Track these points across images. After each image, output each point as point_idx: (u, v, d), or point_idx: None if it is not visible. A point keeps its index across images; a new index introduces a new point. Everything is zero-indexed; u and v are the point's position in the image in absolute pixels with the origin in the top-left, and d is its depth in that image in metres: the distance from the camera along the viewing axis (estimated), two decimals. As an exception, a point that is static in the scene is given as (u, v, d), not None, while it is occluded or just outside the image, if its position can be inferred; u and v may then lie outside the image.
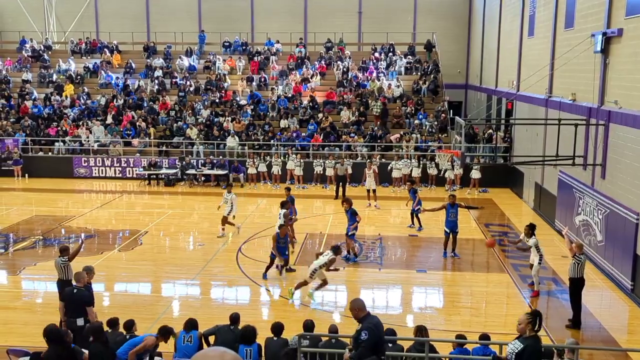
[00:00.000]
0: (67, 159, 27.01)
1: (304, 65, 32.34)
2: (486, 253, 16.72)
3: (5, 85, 31.38)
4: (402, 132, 27.04)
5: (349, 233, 15.52)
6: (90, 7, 37.43)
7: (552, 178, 19.42)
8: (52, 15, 37.54)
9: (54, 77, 32.31)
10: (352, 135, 26.84)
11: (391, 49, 33.44)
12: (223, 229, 17.65)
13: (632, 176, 13.70)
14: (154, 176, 25.84)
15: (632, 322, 12.67)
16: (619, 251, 14.01)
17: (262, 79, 31.44)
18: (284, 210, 15.70)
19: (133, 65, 32.86)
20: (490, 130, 26.32)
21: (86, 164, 26.92)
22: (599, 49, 15.21)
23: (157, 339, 8.30)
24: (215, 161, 25.80)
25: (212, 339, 8.88)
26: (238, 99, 30.14)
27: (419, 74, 31.63)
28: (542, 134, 20.21)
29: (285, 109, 28.90)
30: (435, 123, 27.51)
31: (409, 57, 33.03)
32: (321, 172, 25.34)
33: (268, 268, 14.29)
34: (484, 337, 8.85)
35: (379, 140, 26.52)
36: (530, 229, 13.32)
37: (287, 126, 27.76)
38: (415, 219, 18.63)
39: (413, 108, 28.74)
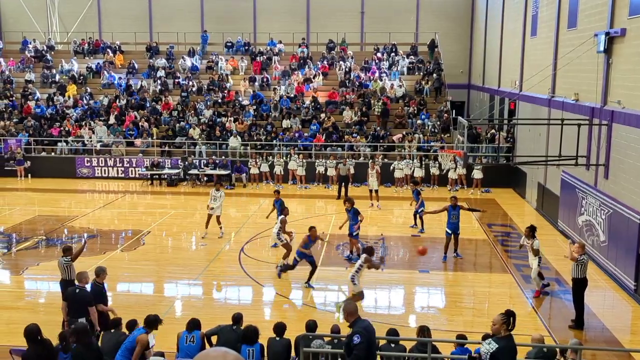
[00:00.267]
0: (70, 159, 27.05)
1: (307, 66, 32.35)
2: (489, 253, 16.71)
3: (9, 86, 31.45)
4: (404, 132, 27.03)
5: (353, 233, 15.50)
6: (92, 7, 37.47)
7: (555, 178, 19.38)
8: (54, 15, 37.59)
9: (57, 77, 32.35)
10: (354, 135, 26.84)
11: (393, 49, 33.42)
12: (221, 228, 17.57)
13: (635, 176, 13.66)
14: (157, 176, 25.86)
15: (635, 322, 12.64)
16: (622, 251, 13.98)
17: (265, 79, 31.45)
18: (282, 216, 15.32)
19: (136, 65, 32.91)
20: (493, 130, 26.30)
21: (89, 164, 26.96)
22: (602, 48, 15.18)
23: (147, 334, 8.26)
24: (217, 161, 25.82)
25: (214, 339, 8.88)
26: (240, 99, 30.17)
27: (421, 74, 31.61)
28: (545, 134, 20.17)
29: (288, 109, 28.91)
30: (438, 123, 27.49)
31: (412, 57, 33.01)
32: (323, 172, 25.35)
33: (311, 274, 13.72)
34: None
35: (381, 141, 26.51)
36: (531, 231, 13.22)
37: (289, 126, 27.76)
38: (417, 220, 18.59)
39: (415, 108, 28.72)
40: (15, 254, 16.31)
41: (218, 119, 28.34)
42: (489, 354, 6.72)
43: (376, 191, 21.60)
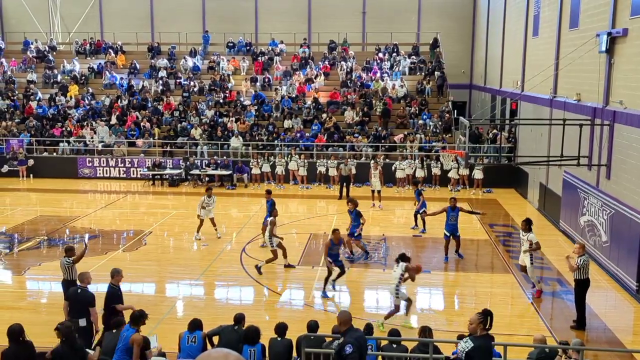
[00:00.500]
0: (72, 160, 27.08)
1: (308, 66, 32.36)
2: (490, 254, 16.70)
3: (11, 86, 31.49)
4: (406, 133, 27.01)
5: (355, 234, 15.47)
6: (94, 7, 37.53)
7: (556, 178, 19.36)
8: (56, 15, 37.66)
9: (59, 77, 32.40)
10: (356, 135, 26.84)
11: (395, 49, 33.42)
12: (216, 229, 17.56)
13: (637, 176, 13.64)
14: (158, 176, 25.88)
15: (637, 322, 12.63)
16: (624, 252, 13.96)
17: (266, 79, 31.46)
18: (271, 218, 14.93)
19: (137, 65, 32.94)
20: (495, 131, 26.27)
21: (90, 164, 26.98)
22: (603, 48, 15.16)
23: (138, 332, 8.25)
24: (219, 161, 25.83)
25: (216, 339, 8.89)
26: (242, 99, 30.18)
27: (423, 74, 31.59)
28: (547, 134, 20.15)
29: (289, 109, 28.91)
30: (440, 123, 27.48)
31: (413, 57, 32.99)
32: (324, 173, 25.35)
33: (338, 277, 13.37)
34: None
35: (382, 141, 26.50)
36: (527, 224, 13.29)
37: (290, 126, 27.76)
38: (419, 221, 18.58)
39: (417, 108, 28.71)
40: (17, 254, 16.32)
41: (219, 119, 28.35)
42: (464, 352, 6.78)
43: (379, 192, 21.56)
